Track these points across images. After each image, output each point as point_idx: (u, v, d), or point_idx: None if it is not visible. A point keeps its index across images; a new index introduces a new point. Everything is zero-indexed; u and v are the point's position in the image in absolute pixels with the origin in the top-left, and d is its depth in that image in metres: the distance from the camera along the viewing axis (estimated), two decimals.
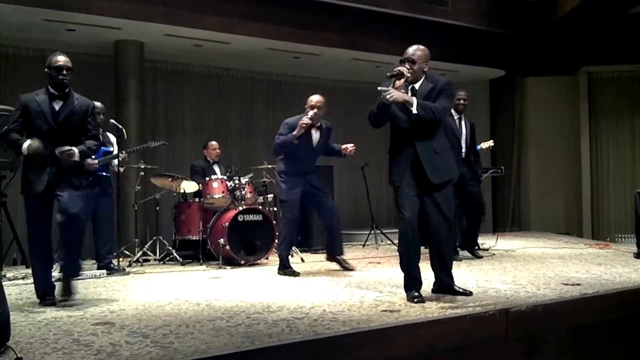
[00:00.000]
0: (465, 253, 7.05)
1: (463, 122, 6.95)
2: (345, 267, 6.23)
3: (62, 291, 4.64)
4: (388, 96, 4.31)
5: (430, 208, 4.46)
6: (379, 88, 4.40)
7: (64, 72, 4.63)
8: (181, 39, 9.05)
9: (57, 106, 4.63)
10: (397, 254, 7.66)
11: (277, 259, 7.16)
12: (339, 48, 10.01)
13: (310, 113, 5.98)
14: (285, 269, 6.08)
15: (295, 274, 6.01)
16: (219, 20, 8.82)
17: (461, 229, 7.04)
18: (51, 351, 3.21)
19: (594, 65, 11.90)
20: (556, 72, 12.03)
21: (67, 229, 4.53)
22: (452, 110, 6.81)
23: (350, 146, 6.22)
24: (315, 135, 6.12)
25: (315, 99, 6.08)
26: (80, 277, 5.43)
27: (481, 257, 6.99)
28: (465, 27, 10.71)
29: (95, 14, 8.02)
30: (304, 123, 5.90)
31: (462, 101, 6.87)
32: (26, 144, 4.50)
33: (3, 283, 3.39)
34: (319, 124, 6.13)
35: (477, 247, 7.25)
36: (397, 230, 9.95)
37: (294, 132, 5.93)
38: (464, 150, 6.89)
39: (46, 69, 4.66)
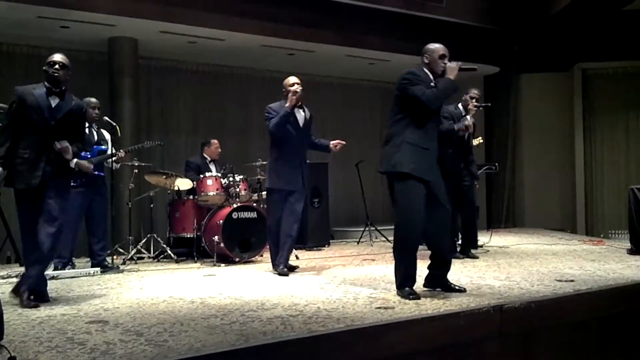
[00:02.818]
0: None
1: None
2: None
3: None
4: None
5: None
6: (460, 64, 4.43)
7: (56, 67, 4.66)
8: (176, 35, 9.03)
9: (53, 102, 4.66)
10: (392, 250, 7.73)
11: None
12: (334, 45, 10.02)
13: (296, 87, 5.95)
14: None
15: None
16: (213, 17, 8.80)
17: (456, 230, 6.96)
18: (45, 350, 3.20)
19: (588, 62, 11.93)
20: (551, 68, 12.05)
21: (47, 238, 4.48)
22: (461, 107, 6.78)
23: (339, 142, 6.18)
24: (300, 115, 6.06)
25: (292, 79, 6.07)
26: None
27: (477, 257, 6.84)
28: (460, 24, 10.72)
29: (89, 11, 8.00)
30: (295, 92, 5.89)
31: (474, 101, 6.82)
32: None
33: None
34: (300, 104, 6.08)
35: (475, 247, 7.14)
36: (391, 227, 9.99)
37: (286, 105, 5.90)
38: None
39: (44, 67, 4.73)
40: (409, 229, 4.40)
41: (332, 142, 6.22)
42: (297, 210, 5.95)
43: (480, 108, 6.98)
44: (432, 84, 4.47)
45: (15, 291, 4.60)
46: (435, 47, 4.55)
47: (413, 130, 4.41)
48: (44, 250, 4.47)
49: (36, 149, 4.55)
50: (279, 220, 5.97)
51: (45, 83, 4.69)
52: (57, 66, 4.67)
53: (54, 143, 4.55)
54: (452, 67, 4.43)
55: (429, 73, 4.51)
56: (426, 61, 4.55)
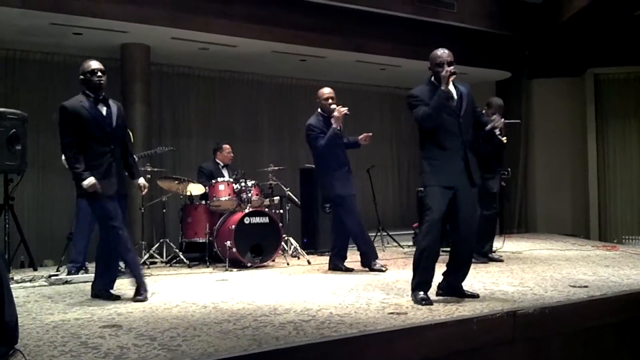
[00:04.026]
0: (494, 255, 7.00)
1: None
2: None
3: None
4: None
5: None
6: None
7: (99, 74, 4.82)
8: (187, 42, 9.08)
9: (103, 111, 4.82)
10: (404, 255, 7.73)
11: (284, 261, 7.22)
12: (345, 50, 10.03)
13: (343, 109, 6.20)
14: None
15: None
16: (224, 23, 8.84)
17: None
18: (59, 354, 3.22)
19: (600, 67, 11.88)
20: (562, 73, 12.01)
21: (120, 241, 4.81)
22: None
23: (366, 135, 6.41)
24: (335, 124, 6.29)
25: (328, 90, 6.38)
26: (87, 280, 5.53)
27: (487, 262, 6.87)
28: (471, 29, 10.70)
29: (101, 18, 8.06)
30: (342, 113, 6.17)
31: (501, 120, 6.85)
32: (87, 181, 4.66)
33: (11, 286, 3.40)
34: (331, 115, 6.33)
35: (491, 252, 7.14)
36: (403, 232, 9.98)
37: (334, 124, 6.17)
38: None
39: (81, 76, 4.85)
40: (430, 234, 4.39)
41: (360, 137, 6.43)
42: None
43: (511, 122, 7.08)
44: (442, 88, 4.47)
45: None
46: (434, 55, 4.55)
47: (432, 145, 4.50)
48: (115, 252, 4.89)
49: (104, 159, 4.76)
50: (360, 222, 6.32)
51: (88, 92, 4.82)
52: (99, 73, 4.83)
53: (138, 184, 5.11)
54: (444, 77, 4.40)
55: (436, 82, 4.53)
56: (431, 69, 4.57)
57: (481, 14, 10.89)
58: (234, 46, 9.40)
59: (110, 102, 4.94)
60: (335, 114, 6.19)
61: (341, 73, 11.33)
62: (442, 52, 4.52)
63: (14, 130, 6.35)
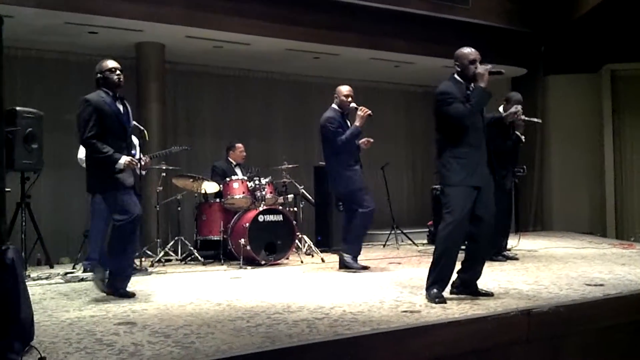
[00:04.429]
0: (510, 253, 6.98)
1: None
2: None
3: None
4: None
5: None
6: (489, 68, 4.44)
7: (118, 72, 4.91)
8: (202, 40, 9.10)
9: (121, 108, 4.92)
10: (418, 253, 7.71)
11: (298, 259, 7.23)
12: (359, 48, 10.01)
13: (368, 110, 6.27)
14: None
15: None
16: (239, 21, 8.86)
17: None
18: (74, 351, 3.24)
19: (617, 63, 11.74)
20: (579, 70, 11.90)
21: (135, 231, 4.90)
22: (501, 109, 6.75)
23: (367, 140, 6.39)
24: (348, 122, 6.36)
25: (348, 88, 6.45)
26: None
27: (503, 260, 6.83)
28: (486, 26, 10.63)
29: (116, 17, 8.11)
30: (367, 114, 6.23)
31: (522, 116, 6.79)
32: (123, 160, 4.76)
33: (27, 283, 3.43)
34: (347, 112, 6.39)
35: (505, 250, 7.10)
36: (417, 230, 9.95)
37: (357, 123, 6.20)
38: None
39: (98, 74, 4.91)
40: (453, 232, 4.37)
41: (361, 141, 6.39)
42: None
43: (531, 121, 7.04)
44: (468, 91, 4.46)
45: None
46: (465, 52, 4.51)
47: (461, 143, 4.41)
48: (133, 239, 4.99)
49: (120, 153, 4.80)
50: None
51: (106, 90, 4.88)
52: (118, 71, 4.93)
53: (140, 159, 5.14)
54: (482, 73, 4.40)
55: (461, 80, 4.49)
56: (458, 68, 4.52)
57: (496, 10, 10.83)
58: (248, 44, 9.42)
59: (126, 102, 5.03)
60: (360, 113, 6.20)
61: (355, 70, 11.31)
62: (472, 50, 4.51)
63: (30, 129, 6.41)
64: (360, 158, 6.42)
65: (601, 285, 4.92)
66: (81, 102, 4.83)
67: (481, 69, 4.42)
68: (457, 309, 4.08)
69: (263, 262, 6.89)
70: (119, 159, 4.75)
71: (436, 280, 4.42)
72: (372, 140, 6.44)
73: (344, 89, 6.41)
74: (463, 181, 4.37)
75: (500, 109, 6.77)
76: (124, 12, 8.12)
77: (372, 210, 6.27)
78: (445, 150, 4.46)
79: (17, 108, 6.41)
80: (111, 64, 4.92)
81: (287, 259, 7.18)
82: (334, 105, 6.41)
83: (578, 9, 10.58)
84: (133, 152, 6.23)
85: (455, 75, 4.53)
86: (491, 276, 5.53)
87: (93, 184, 4.94)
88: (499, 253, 6.77)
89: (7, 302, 3.10)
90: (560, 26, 11.22)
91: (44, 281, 5.93)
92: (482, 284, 4.72)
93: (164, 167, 7.46)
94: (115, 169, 4.75)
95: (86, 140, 4.79)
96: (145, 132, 6.84)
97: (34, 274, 6.30)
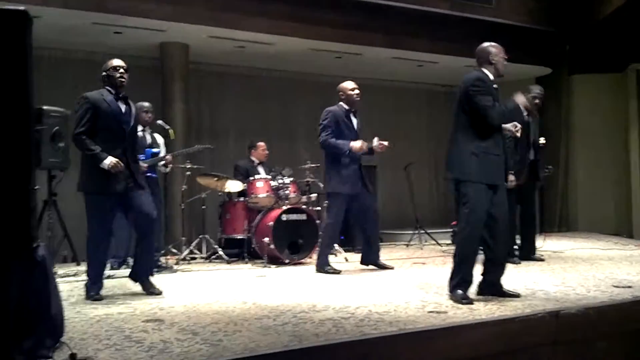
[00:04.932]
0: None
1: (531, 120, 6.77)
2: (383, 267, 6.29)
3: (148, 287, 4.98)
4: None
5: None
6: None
7: (121, 71, 4.85)
8: (225, 40, 9.14)
9: (122, 108, 4.85)
10: (442, 254, 7.67)
11: None
12: (381, 47, 9.98)
13: (385, 143, 6.16)
14: (325, 265, 6.13)
15: (336, 271, 6.08)
16: (262, 21, 8.88)
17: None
18: (104, 347, 3.28)
19: None
20: (604, 69, 11.74)
21: (149, 230, 4.87)
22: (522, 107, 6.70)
23: (385, 143, 6.23)
24: (354, 120, 6.23)
25: (352, 83, 6.29)
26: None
27: (543, 259, 6.77)
28: (510, 25, 10.54)
29: (141, 17, 8.17)
30: (384, 148, 6.13)
31: (537, 101, 6.71)
32: (107, 161, 4.65)
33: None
34: (354, 110, 6.26)
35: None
36: (441, 230, 9.90)
37: (357, 146, 6.02)
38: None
39: (103, 72, 4.89)
40: (474, 232, 4.35)
41: (375, 144, 6.25)
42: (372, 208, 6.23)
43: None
44: (494, 85, 4.43)
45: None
46: (498, 46, 4.51)
47: (482, 137, 4.35)
48: (150, 238, 4.93)
49: (114, 155, 4.70)
50: (340, 222, 6.23)
51: (109, 88, 4.84)
52: (122, 70, 4.87)
53: (139, 164, 5.03)
54: (523, 102, 4.45)
55: (490, 75, 4.47)
56: (493, 61, 4.48)
57: (520, 9, 10.73)
58: (270, 44, 9.44)
59: (130, 102, 4.95)
60: (376, 146, 6.13)
61: (377, 70, 11.29)
62: (497, 45, 4.51)
63: (56, 127, 6.49)
64: (358, 161, 6.21)
65: (629, 287, 4.85)
66: (80, 98, 4.82)
67: (523, 100, 4.43)
68: (484, 310, 4.05)
69: (287, 261, 6.91)
70: (104, 158, 4.65)
71: (460, 282, 4.39)
72: (385, 143, 6.24)
73: (350, 85, 6.27)
74: (483, 179, 4.32)
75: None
76: (149, 12, 8.18)
77: (331, 225, 6.17)
78: (466, 142, 4.37)
79: (44, 107, 6.50)
80: (116, 62, 4.88)
81: (311, 258, 7.18)
82: (340, 103, 6.27)
83: (604, 7, 10.44)
84: (141, 156, 6.26)
85: (484, 69, 4.50)
86: (517, 277, 5.48)
87: (81, 182, 4.85)
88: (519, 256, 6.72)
89: (38, 298, 3.14)
90: (585, 25, 11.08)
91: (72, 278, 5.99)
92: (509, 285, 4.68)
93: (188, 166, 7.51)
94: (100, 174, 4.68)
95: (75, 136, 4.76)
96: (171, 130, 6.92)
97: (60, 271, 6.36)
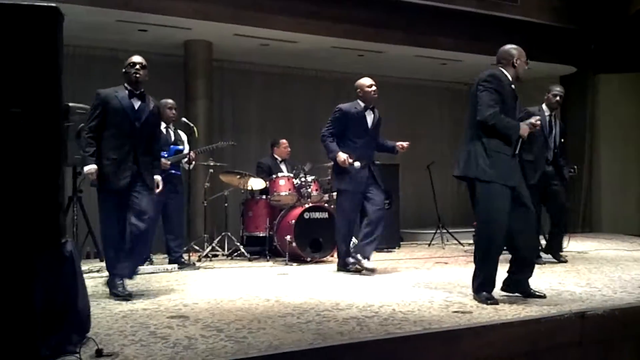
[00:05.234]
0: (549, 257, 6.75)
1: (554, 120, 6.70)
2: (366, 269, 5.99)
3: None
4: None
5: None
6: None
7: (137, 67, 4.82)
8: (249, 38, 9.16)
9: (136, 104, 4.82)
10: (464, 253, 7.63)
11: None
12: (404, 45, 9.93)
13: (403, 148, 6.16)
14: (347, 264, 6.08)
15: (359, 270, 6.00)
16: (285, 19, 8.88)
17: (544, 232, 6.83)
18: (129, 343, 3.30)
19: None
20: (629, 68, 11.57)
21: (139, 233, 4.69)
22: (544, 106, 6.64)
23: (405, 143, 6.19)
24: (370, 116, 6.13)
25: (369, 81, 6.15)
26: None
27: (565, 261, 6.68)
28: (535, 23, 10.44)
29: (166, 15, 8.21)
30: (349, 163, 5.92)
31: (558, 98, 6.64)
32: (87, 168, 4.70)
33: None
34: (372, 106, 6.14)
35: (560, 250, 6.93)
36: (463, 230, 9.83)
37: (340, 159, 5.94)
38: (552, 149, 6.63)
39: (123, 69, 4.90)
40: (493, 232, 4.28)
41: (397, 144, 6.21)
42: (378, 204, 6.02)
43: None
44: (512, 86, 4.39)
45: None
46: (521, 50, 4.45)
47: (496, 136, 4.28)
48: (138, 243, 4.70)
49: (123, 151, 4.71)
50: (352, 220, 6.09)
51: (126, 85, 4.84)
52: (137, 67, 4.83)
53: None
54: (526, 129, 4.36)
55: (509, 76, 4.41)
56: (516, 64, 4.41)
57: (545, 7, 10.62)
58: (294, 42, 9.44)
59: (149, 99, 4.91)
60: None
61: (399, 67, 11.24)
62: (520, 49, 4.44)
63: (82, 124, 6.53)
64: (369, 159, 6.13)
65: None
66: (95, 94, 4.87)
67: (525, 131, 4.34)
68: (509, 310, 4.02)
69: (308, 259, 6.91)
70: (88, 164, 4.68)
71: (483, 282, 4.35)
72: (405, 144, 6.19)
73: (367, 81, 6.14)
74: (499, 179, 4.25)
75: (544, 106, 6.67)
76: (174, 10, 8.22)
77: (340, 223, 6.15)
78: (482, 140, 4.29)
79: (70, 104, 6.55)
80: (133, 59, 4.87)
81: (332, 256, 7.17)
82: (357, 100, 6.18)
83: (629, 6, 10.31)
84: (164, 153, 6.27)
85: (504, 69, 4.44)
86: (542, 278, 5.43)
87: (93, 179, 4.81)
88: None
89: (66, 293, 3.18)
90: (610, 24, 10.94)
91: (96, 274, 6.04)
92: (534, 285, 4.63)
93: (211, 164, 7.54)
94: (104, 170, 4.68)
95: (79, 132, 4.83)
96: (195, 128, 6.95)
97: (84, 267, 6.40)
